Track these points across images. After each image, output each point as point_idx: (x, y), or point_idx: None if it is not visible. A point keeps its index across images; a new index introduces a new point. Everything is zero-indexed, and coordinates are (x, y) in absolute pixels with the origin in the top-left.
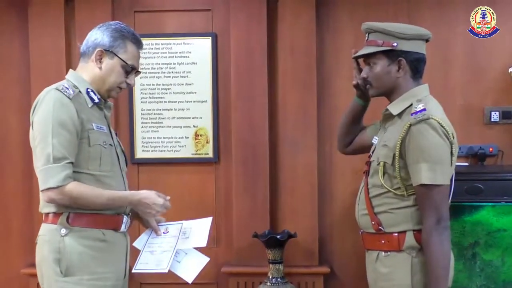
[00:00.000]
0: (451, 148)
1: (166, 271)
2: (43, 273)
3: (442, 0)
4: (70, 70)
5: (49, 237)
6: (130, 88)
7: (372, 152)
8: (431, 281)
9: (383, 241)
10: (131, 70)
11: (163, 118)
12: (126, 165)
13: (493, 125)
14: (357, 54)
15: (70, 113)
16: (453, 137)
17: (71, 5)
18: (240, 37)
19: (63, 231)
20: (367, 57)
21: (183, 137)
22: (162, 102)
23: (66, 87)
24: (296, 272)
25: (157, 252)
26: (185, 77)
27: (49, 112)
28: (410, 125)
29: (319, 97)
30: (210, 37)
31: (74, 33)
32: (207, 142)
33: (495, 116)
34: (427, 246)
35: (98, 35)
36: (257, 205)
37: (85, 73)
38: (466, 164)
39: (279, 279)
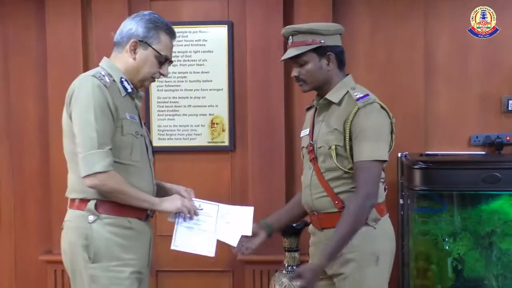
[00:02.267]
0: (391, 125)
1: (213, 255)
2: (71, 259)
3: None
4: (105, 58)
5: (76, 223)
6: None
7: (313, 141)
8: (332, 245)
9: None
10: (164, 60)
11: (179, 106)
12: (153, 156)
13: (511, 114)
14: (288, 56)
15: (108, 100)
16: (393, 117)
17: None
18: (256, 25)
19: (91, 217)
20: (297, 57)
21: (199, 125)
22: (178, 90)
23: (102, 75)
24: None
25: (195, 230)
26: (201, 65)
27: (89, 99)
28: (358, 108)
29: None
30: (226, 26)
31: (90, 23)
32: (223, 131)
33: None
34: (348, 214)
35: (132, 26)
36: (272, 193)
37: (119, 62)
38: (483, 152)
39: (295, 267)
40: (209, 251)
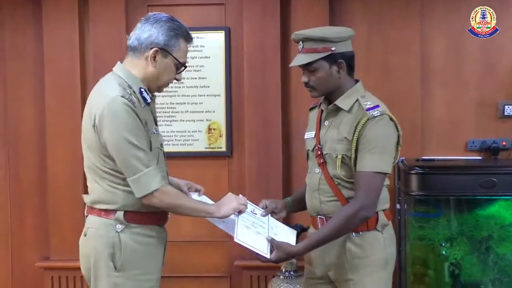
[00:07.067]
0: (398, 138)
1: (268, 257)
2: (94, 265)
3: None
4: (120, 64)
5: (103, 231)
6: None
7: (320, 144)
8: (313, 242)
9: None
10: (181, 66)
11: (176, 112)
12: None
13: (507, 119)
14: (298, 63)
15: (140, 119)
16: (400, 129)
17: None
18: (253, 31)
19: (119, 227)
20: (308, 64)
21: (196, 131)
22: (175, 96)
23: (129, 94)
24: None
25: (252, 230)
26: (198, 71)
27: (126, 121)
28: (368, 119)
29: None
30: (223, 31)
31: (88, 28)
32: (220, 136)
33: (508, 110)
34: (338, 219)
35: (152, 32)
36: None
37: (136, 69)
38: (480, 158)
39: (292, 272)
40: (265, 251)
